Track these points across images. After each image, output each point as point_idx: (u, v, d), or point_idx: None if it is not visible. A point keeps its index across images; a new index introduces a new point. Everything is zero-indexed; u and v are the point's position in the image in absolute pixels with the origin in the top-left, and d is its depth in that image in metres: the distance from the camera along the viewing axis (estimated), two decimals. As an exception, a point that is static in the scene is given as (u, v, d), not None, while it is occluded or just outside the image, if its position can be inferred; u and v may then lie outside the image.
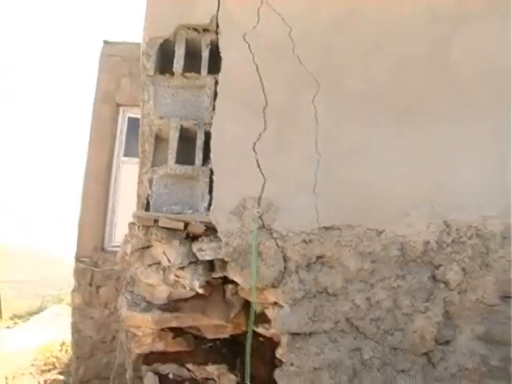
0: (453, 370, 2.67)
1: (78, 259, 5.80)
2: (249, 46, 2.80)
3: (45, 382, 5.62)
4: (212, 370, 3.21)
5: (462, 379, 2.65)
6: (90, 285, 5.72)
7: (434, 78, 2.90)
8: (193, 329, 3.15)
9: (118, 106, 6.10)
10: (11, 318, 9.99)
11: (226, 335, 3.15)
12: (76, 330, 5.74)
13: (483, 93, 2.88)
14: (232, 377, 3.22)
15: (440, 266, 2.71)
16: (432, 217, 2.74)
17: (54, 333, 7.91)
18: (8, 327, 9.28)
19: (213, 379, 3.23)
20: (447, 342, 2.70)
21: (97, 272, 5.65)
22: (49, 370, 6.65)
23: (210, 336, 3.18)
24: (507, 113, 2.86)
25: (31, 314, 9.95)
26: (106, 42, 6.21)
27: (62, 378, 6.35)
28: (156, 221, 2.67)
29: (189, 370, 3.26)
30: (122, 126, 6.11)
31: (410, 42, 2.92)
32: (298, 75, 2.81)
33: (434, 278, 2.71)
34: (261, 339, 3.15)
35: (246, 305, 3.02)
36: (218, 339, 3.23)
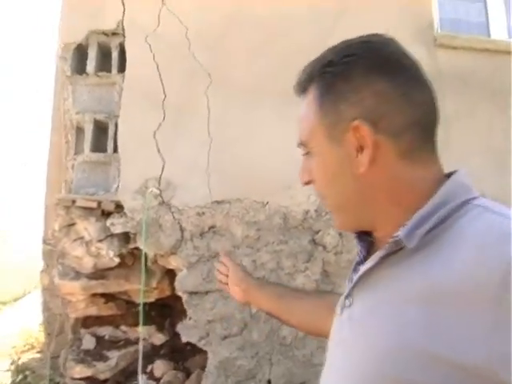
0: (331, 317, 3.36)
1: (45, 241, 6.51)
2: (150, 47, 3.33)
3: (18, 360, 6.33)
4: (143, 330, 3.95)
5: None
6: (57, 265, 6.43)
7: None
8: (123, 294, 3.81)
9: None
10: (-5, 305, 10.71)
11: (152, 299, 3.85)
12: (46, 308, 6.45)
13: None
14: (160, 336, 3.93)
15: (319, 231, 3.33)
16: (312, 189, 3.40)
17: (35, 315, 8.52)
18: (-8, 314, 9.99)
19: (144, 339, 3.97)
20: (327, 296, 3.38)
21: (62, 253, 6.32)
22: (27, 350, 7.35)
23: (138, 300, 3.90)
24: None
25: (16, 299, 10.63)
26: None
27: (39, 356, 7.10)
28: (74, 201, 3.34)
29: (123, 332, 3.99)
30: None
31: (293, 35, 3.48)
32: (192, 70, 3.35)
33: (313, 241, 3.33)
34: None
35: (170, 272, 3.73)
36: (146, 303, 3.96)
